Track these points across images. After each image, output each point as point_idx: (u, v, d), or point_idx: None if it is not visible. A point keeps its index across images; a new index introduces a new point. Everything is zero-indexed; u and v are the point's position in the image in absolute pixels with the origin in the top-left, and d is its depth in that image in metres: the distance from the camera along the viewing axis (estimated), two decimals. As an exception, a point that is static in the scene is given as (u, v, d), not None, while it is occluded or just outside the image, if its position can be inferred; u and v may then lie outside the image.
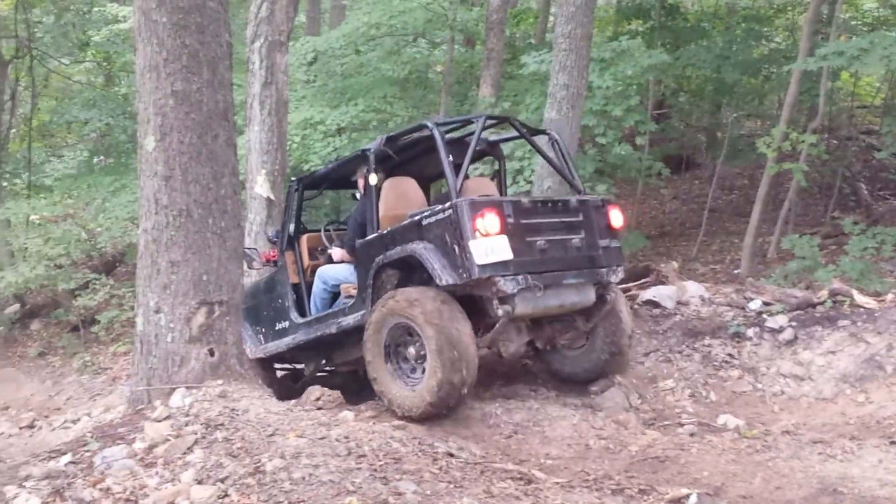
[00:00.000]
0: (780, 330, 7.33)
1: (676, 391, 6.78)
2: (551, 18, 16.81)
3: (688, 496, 4.39)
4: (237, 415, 5.17)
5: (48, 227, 15.23)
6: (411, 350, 5.90)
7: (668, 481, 4.82)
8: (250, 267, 7.17)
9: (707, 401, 6.67)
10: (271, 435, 4.82)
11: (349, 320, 6.42)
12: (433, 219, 5.85)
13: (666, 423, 6.14)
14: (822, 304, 7.62)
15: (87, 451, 4.92)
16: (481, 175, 9.08)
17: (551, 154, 7.09)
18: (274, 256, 7.31)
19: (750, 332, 7.45)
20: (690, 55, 13.08)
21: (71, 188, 15.79)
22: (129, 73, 18.67)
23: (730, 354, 7.23)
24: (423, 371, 5.79)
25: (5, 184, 18.13)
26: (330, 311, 6.71)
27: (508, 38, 14.02)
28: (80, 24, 18.24)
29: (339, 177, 7.38)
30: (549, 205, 6.32)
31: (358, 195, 7.15)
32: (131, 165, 16.00)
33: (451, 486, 4.10)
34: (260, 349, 7.19)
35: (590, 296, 6.28)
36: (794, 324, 7.34)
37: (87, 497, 4.25)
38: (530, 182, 9.78)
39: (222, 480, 4.23)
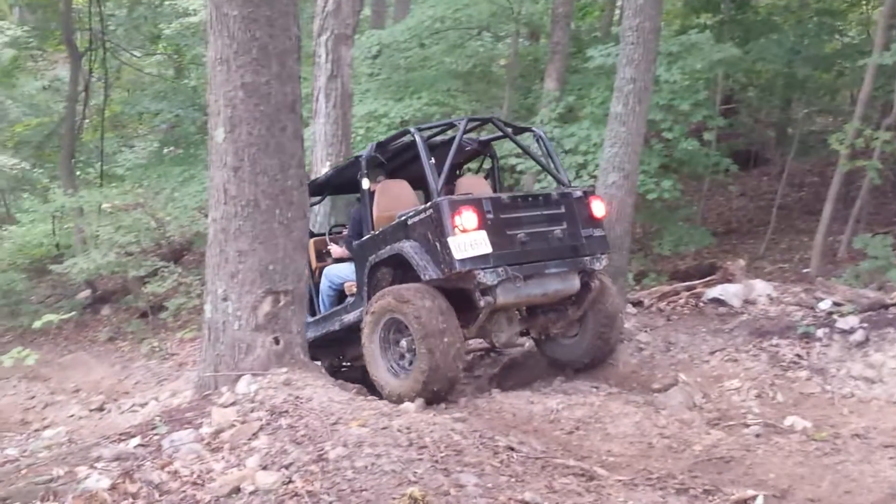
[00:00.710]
0: (851, 331, 7.13)
1: (742, 391, 6.64)
2: (617, 11, 16.63)
3: (754, 498, 4.32)
4: (301, 402, 5.25)
5: (119, 216, 15.58)
6: (403, 343, 6.28)
7: (733, 482, 4.75)
8: None
9: (774, 402, 6.52)
10: (334, 423, 4.88)
11: (350, 317, 6.84)
12: (417, 218, 6.23)
13: (731, 423, 6.01)
14: (894, 305, 7.40)
15: (156, 434, 5.05)
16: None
17: (537, 150, 7.49)
18: None
19: (819, 332, 7.26)
20: (761, 49, 12.79)
21: (141, 177, 16.18)
22: (198, 65, 19.03)
23: (798, 355, 7.06)
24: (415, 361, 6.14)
25: (79, 173, 18.64)
26: (335, 309, 7.10)
27: (574, 32, 13.87)
28: (152, 17, 18.67)
29: (339, 183, 7.80)
30: (530, 199, 6.58)
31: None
32: (200, 156, 16.33)
33: (513, 479, 4.09)
34: None
35: (574, 283, 6.62)
36: (865, 325, 7.12)
37: (156, 479, 4.35)
38: (594, 176, 9.70)
39: (286, 467, 4.29)
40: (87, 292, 16.49)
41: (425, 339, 5.96)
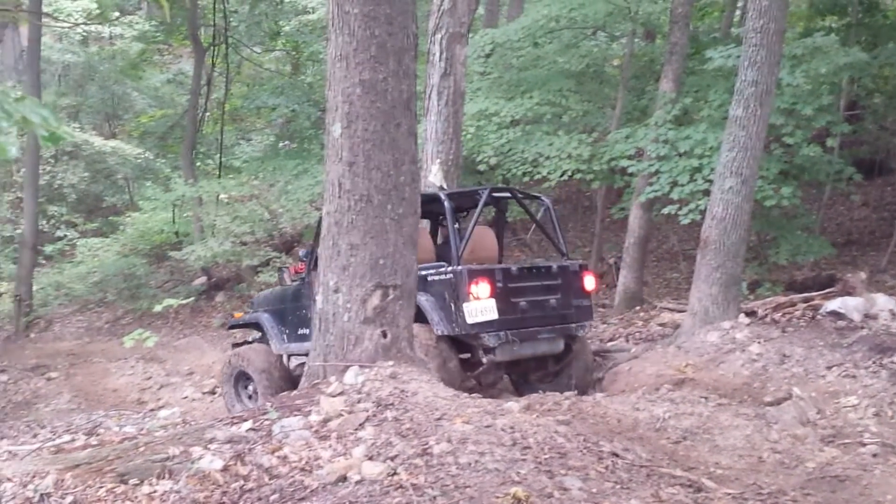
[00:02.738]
0: (980, 351, 6.74)
1: (859, 409, 6.35)
2: (738, 12, 16.17)
3: (871, 520, 4.13)
4: (406, 396, 5.31)
5: (235, 206, 16.13)
6: None
7: (847, 502, 4.56)
8: (281, 283, 8.34)
9: (893, 421, 6.20)
10: (439, 419, 4.91)
11: None
12: (437, 277, 6.99)
13: (846, 441, 5.77)
14: None
15: (267, 419, 5.20)
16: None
17: (544, 219, 8.39)
18: (301, 269, 8.33)
19: (945, 351, 6.89)
20: (889, 54, 12.20)
21: (257, 170, 16.68)
22: (314, 62, 19.46)
23: (921, 374, 6.71)
24: None
25: (199, 163, 19.33)
26: None
27: (692, 32, 13.55)
28: (272, 14, 19.18)
29: None
30: (534, 270, 7.44)
31: None
32: (313, 150, 16.71)
33: (618, 486, 4.03)
34: (283, 347, 8.18)
35: (559, 345, 7.55)
36: None
37: (266, 463, 4.48)
38: (709, 181, 9.46)
39: (392, 458, 4.35)
40: (202, 279, 17.09)
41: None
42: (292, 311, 8.20)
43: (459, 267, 6.87)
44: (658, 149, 10.84)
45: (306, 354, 7.78)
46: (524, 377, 8.01)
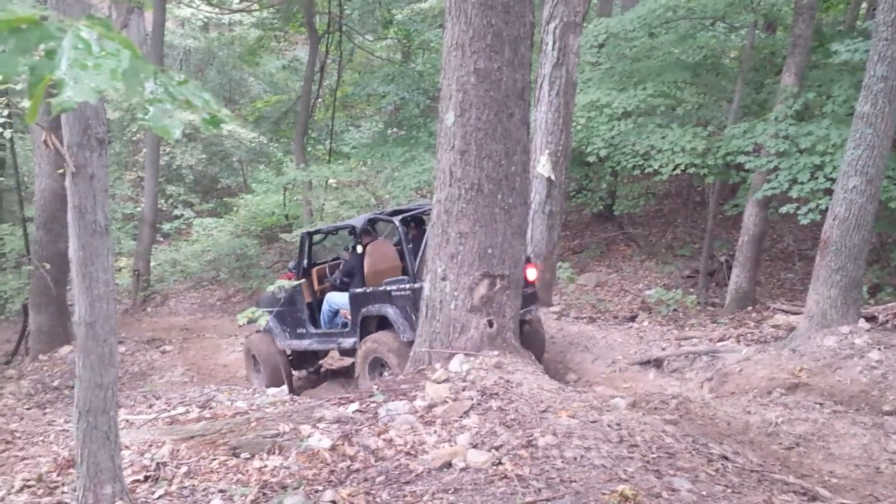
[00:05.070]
0: None
1: None
2: (863, 5, 15.45)
3: None
4: (511, 387, 5.30)
5: (343, 191, 16.40)
6: (386, 373, 7.67)
7: (974, 523, 4.32)
8: (277, 290, 9.15)
9: None
10: (543, 411, 4.89)
11: (346, 343, 8.59)
12: (399, 293, 7.79)
13: (973, 457, 5.46)
14: None
15: (373, 402, 5.28)
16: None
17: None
18: (291, 277, 9.39)
19: None
20: None
21: (365, 156, 16.89)
22: (425, 50, 19.56)
23: None
24: None
25: (310, 149, 19.74)
26: (334, 330, 8.88)
27: (816, 24, 13.00)
28: (385, 2, 19.35)
29: (335, 233, 10.19)
30: None
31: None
32: (421, 138, 16.80)
33: (729, 490, 3.91)
34: (286, 343, 9.38)
35: None
36: None
37: (373, 445, 4.55)
38: (831, 179, 9.08)
39: (496, 448, 4.35)
40: (308, 262, 17.41)
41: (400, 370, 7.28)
42: (290, 314, 9.36)
43: (417, 284, 7.46)
44: (778, 144, 10.46)
45: (304, 350, 9.39)
46: None
